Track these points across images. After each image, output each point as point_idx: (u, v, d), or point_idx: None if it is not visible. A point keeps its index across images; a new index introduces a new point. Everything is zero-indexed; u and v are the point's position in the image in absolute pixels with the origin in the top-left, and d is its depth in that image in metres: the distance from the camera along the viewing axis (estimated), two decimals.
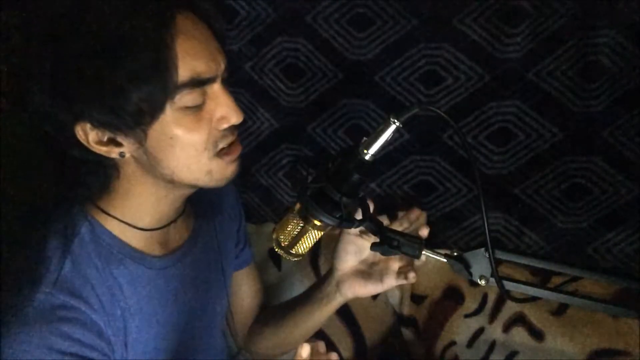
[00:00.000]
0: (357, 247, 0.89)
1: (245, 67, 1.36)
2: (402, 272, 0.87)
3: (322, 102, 1.34)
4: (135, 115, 0.68)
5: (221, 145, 0.75)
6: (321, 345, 0.69)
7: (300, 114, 1.36)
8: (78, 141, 0.71)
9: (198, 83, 0.71)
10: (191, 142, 0.72)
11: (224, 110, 0.74)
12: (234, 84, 1.38)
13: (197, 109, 0.72)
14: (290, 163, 1.39)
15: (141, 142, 0.71)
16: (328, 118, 1.34)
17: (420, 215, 0.90)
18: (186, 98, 0.70)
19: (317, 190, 0.70)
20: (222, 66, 0.74)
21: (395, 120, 0.66)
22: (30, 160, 0.78)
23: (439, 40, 1.22)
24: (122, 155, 0.73)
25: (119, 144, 0.72)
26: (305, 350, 0.64)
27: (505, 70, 1.20)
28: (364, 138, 0.69)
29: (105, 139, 0.72)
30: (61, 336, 0.70)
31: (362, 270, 0.90)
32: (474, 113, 1.24)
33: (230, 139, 0.76)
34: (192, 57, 0.70)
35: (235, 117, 0.75)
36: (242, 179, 1.45)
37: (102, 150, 0.72)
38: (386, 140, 0.67)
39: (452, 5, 1.20)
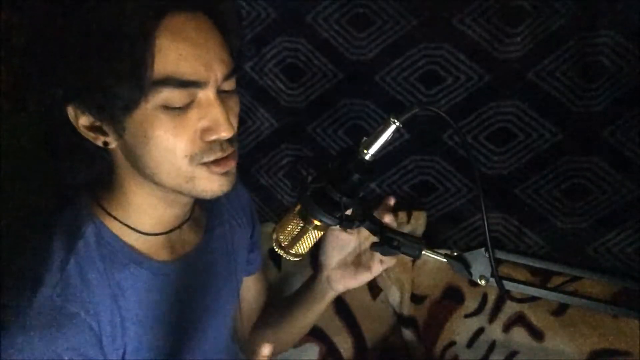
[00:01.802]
0: (341, 242, 0.91)
1: (245, 67, 1.36)
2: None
3: (322, 102, 1.34)
4: (112, 106, 0.68)
5: (207, 159, 0.72)
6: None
7: (300, 114, 1.36)
8: (70, 123, 0.71)
9: (179, 84, 0.68)
10: (168, 145, 0.69)
11: (210, 120, 0.70)
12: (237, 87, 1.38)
13: (181, 111, 0.69)
14: (290, 163, 1.39)
15: (120, 134, 0.70)
16: (328, 118, 1.34)
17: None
18: (164, 97, 0.68)
19: (317, 190, 0.70)
20: (218, 75, 0.71)
21: (395, 120, 0.66)
22: (32, 160, 0.78)
23: (439, 40, 1.22)
24: (106, 144, 0.72)
25: (104, 133, 0.72)
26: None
27: (505, 70, 1.20)
28: (364, 138, 0.69)
29: (94, 125, 0.72)
30: (57, 342, 0.70)
31: (349, 263, 0.92)
32: (474, 113, 1.24)
33: (218, 154, 0.72)
34: (175, 56, 0.67)
35: (223, 131, 0.71)
36: (242, 179, 1.44)
37: (89, 135, 0.72)
38: (386, 140, 0.67)
39: (452, 5, 1.20)
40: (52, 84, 0.70)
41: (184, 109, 0.69)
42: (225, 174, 0.74)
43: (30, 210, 0.76)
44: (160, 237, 0.80)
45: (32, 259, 0.73)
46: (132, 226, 0.78)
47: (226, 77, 0.73)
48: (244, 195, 1.00)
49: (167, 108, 0.69)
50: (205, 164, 0.72)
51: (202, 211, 0.90)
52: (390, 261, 0.90)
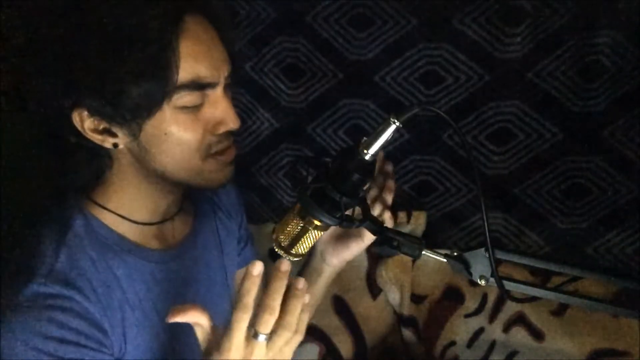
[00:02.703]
0: None
1: (245, 67, 1.36)
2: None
3: (322, 102, 1.34)
4: (133, 110, 0.70)
5: (215, 149, 0.76)
6: (284, 264, 0.61)
7: (300, 114, 1.36)
8: (74, 127, 0.73)
9: (198, 86, 0.72)
10: (184, 140, 0.74)
11: (221, 115, 0.75)
12: (234, 84, 1.38)
13: (195, 109, 0.74)
14: (290, 163, 1.40)
15: (135, 135, 0.73)
16: (328, 118, 1.34)
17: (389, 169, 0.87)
18: (185, 99, 0.72)
19: (317, 190, 0.70)
20: (226, 73, 0.76)
21: (395, 120, 0.66)
22: (27, 156, 0.78)
23: (438, 40, 1.22)
24: (115, 145, 0.74)
25: (113, 135, 0.74)
26: (257, 267, 0.60)
27: (505, 70, 1.20)
28: (364, 138, 0.69)
29: (100, 127, 0.73)
30: (56, 324, 0.71)
31: (341, 234, 0.91)
32: (474, 113, 1.24)
33: (225, 144, 0.77)
34: (195, 60, 0.71)
35: (232, 124, 0.76)
36: (242, 179, 1.45)
37: (96, 138, 0.73)
38: (386, 140, 0.67)
39: (452, 5, 1.20)
40: (62, 92, 0.71)
41: (197, 106, 0.74)
42: (229, 164, 0.79)
43: (23, 206, 0.76)
44: (153, 227, 0.82)
45: (24, 253, 0.75)
46: (125, 216, 0.80)
47: (230, 74, 0.77)
48: (231, 188, 1.02)
49: (184, 108, 0.73)
50: (212, 155, 0.76)
51: (191, 204, 0.92)
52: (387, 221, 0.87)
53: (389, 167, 0.88)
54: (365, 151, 0.67)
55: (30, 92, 0.74)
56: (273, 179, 1.42)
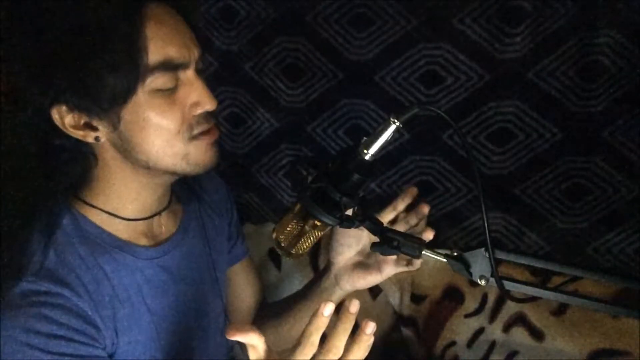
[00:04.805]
0: (352, 239, 0.89)
1: (245, 67, 1.36)
2: (402, 259, 0.87)
3: (322, 102, 1.34)
4: (109, 99, 0.71)
5: (196, 131, 0.77)
6: (354, 305, 0.63)
7: (300, 114, 1.36)
8: (55, 125, 0.74)
9: (170, 67, 0.73)
10: (164, 125, 0.74)
11: (197, 96, 0.76)
12: (234, 84, 1.39)
13: (170, 92, 0.74)
14: (290, 163, 1.40)
15: (115, 125, 0.74)
16: (328, 118, 1.34)
17: (427, 209, 0.89)
18: (158, 81, 0.73)
19: (317, 190, 0.70)
20: (196, 54, 0.77)
21: (395, 120, 0.66)
22: (14, 157, 0.79)
23: (438, 40, 1.22)
24: (97, 139, 0.75)
25: (94, 128, 0.75)
26: (328, 308, 0.62)
27: (505, 70, 1.20)
28: (364, 138, 0.69)
29: (81, 122, 0.74)
30: (46, 320, 0.71)
31: (360, 262, 0.90)
32: (474, 113, 1.24)
33: (205, 125, 0.78)
34: (163, 42, 0.72)
35: (208, 104, 0.76)
36: (242, 179, 1.45)
37: (78, 134, 0.74)
38: (386, 140, 0.67)
39: (452, 5, 1.20)
40: (40, 88, 0.72)
41: (172, 89, 0.75)
42: (213, 145, 0.79)
43: (12, 205, 0.77)
44: (141, 223, 0.83)
45: (12, 252, 0.75)
46: (113, 212, 0.80)
47: (200, 56, 0.78)
48: (221, 185, 1.03)
49: (159, 91, 0.73)
50: (195, 137, 0.77)
51: (178, 201, 0.92)
52: (401, 265, 0.87)
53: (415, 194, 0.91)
54: (365, 151, 0.67)
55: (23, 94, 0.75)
56: (273, 179, 1.42)
